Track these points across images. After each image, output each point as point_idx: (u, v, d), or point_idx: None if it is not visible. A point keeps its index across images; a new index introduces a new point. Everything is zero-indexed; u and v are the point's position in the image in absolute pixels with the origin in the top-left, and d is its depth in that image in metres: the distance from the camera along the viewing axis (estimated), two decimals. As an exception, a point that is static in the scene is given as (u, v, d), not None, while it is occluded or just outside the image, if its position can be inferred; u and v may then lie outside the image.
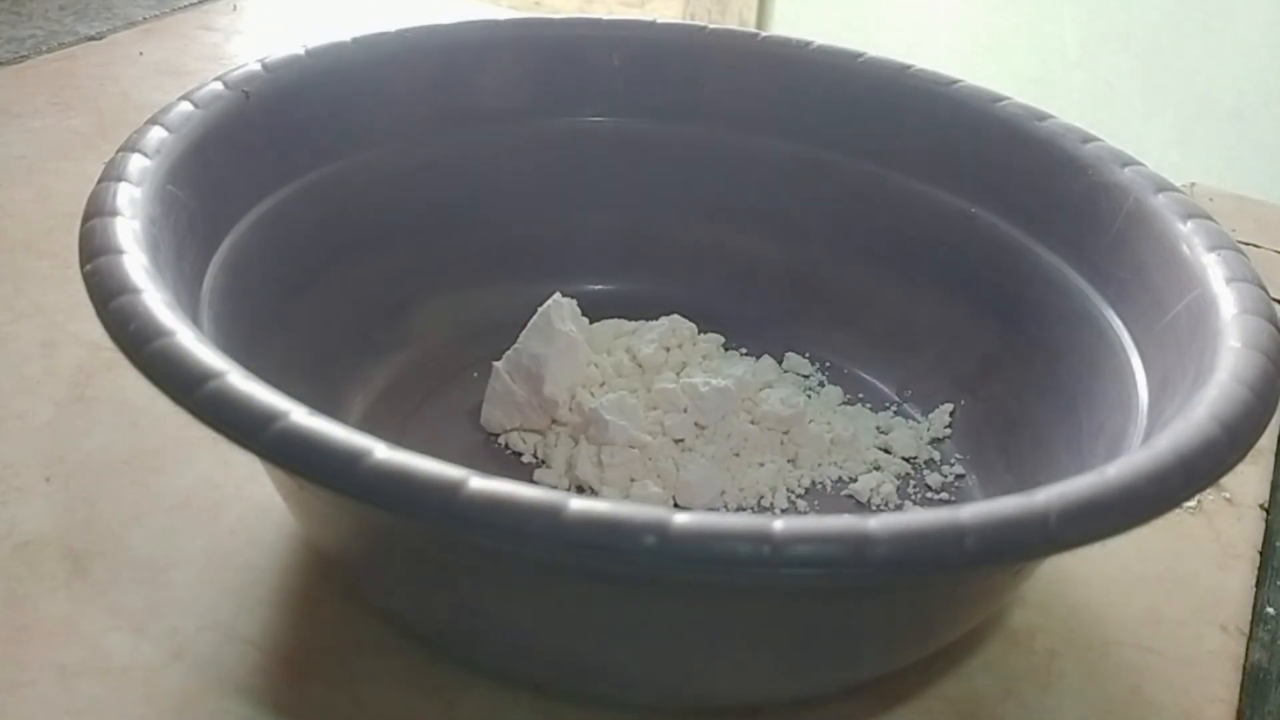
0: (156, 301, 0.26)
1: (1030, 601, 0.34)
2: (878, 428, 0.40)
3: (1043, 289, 0.37)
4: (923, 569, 0.22)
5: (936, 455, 0.39)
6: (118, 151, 0.31)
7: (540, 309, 0.38)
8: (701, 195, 0.44)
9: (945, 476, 0.38)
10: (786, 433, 0.38)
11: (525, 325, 0.43)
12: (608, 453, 0.36)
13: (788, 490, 0.37)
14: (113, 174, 0.30)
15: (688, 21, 0.45)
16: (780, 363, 0.42)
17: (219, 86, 0.35)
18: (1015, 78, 1.53)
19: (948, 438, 0.39)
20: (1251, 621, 0.34)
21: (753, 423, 0.38)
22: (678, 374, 0.39)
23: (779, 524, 0.21)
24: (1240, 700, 0.32)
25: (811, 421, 0.39)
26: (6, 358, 0.40)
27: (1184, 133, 1.50)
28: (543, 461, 0.37)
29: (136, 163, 0.31)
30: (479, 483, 0.22)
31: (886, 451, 0.39)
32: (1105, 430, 0.32)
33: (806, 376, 0.42)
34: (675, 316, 0.41)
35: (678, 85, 0.43)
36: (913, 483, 0.38)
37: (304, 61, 0.37)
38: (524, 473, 0.37)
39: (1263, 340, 0.28)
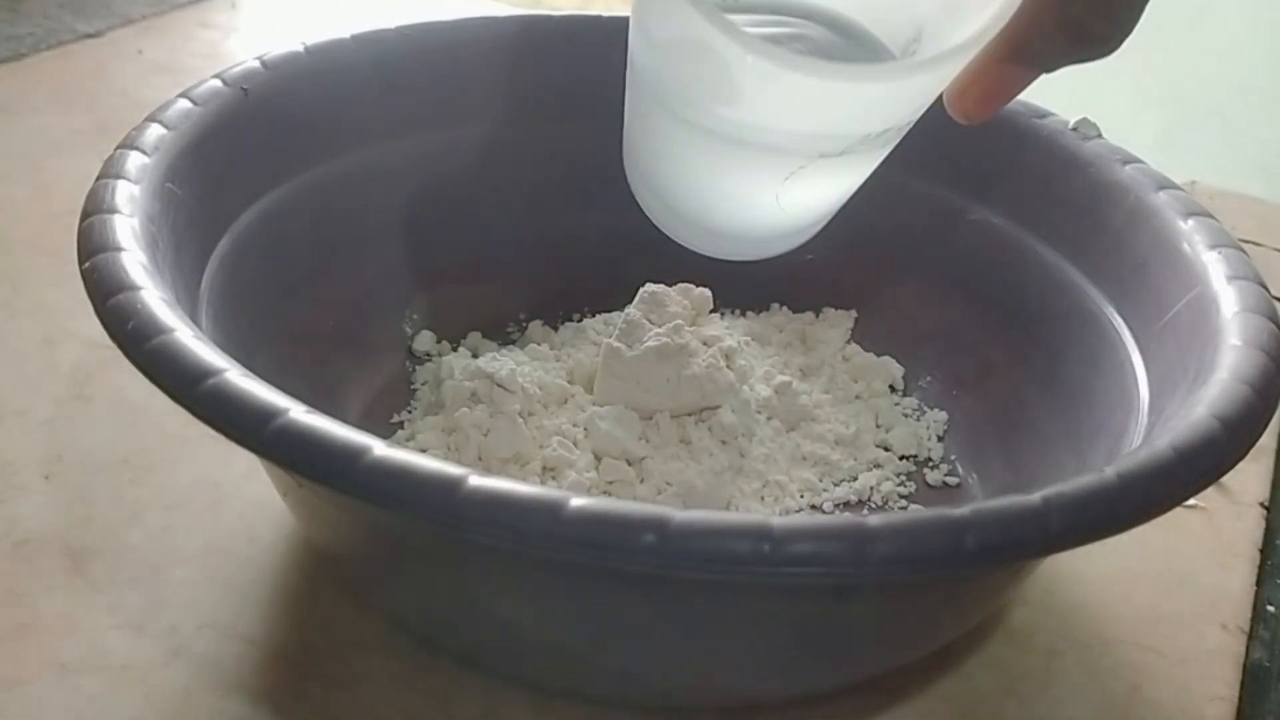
0: (155, 299, 0.26)
1: (1030, 600, 0.34)
2: (878, 426, 0.40)
3: (1043, 287, 0.37)
4: (923, 568, 0.22)
5: (936, 454, 0.39)
6: (116, 149, 0.31)
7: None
8: (701, 193, 0.44)
9: (945, 475, 0.38)
10: (790, 431, 0.38)
11: (524, 325, 0.43)
12: (605, 465, 0.36)
13: (791, 488, 0.37)
14: (111, 171, 0.30)
15: (688, 20, 0.45)
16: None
17: (218, 84, 0.35)
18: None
19: (948, 437, 0.39)
20: (1252, 620, 0.34)
21: (760, 414, 0.38)
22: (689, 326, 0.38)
23: (778, 522, 0.21)
24: (1240, 699, 0.32)
25: (814, 420, 0.39)
26: (6, 356, 0.40)
27: (1180, 132, 1.50)
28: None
29: (135, 160, 0.31)
30: (478, 480, 0.22)
31: (887, 449, 0.39)
32: (1106, 428, 0.32)
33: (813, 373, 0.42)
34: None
35: (677, 83, 0.43)
36: (913, 482, 0.38)
37: (303, 59, 0.37)
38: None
39: (1263, 338, 0.28)
